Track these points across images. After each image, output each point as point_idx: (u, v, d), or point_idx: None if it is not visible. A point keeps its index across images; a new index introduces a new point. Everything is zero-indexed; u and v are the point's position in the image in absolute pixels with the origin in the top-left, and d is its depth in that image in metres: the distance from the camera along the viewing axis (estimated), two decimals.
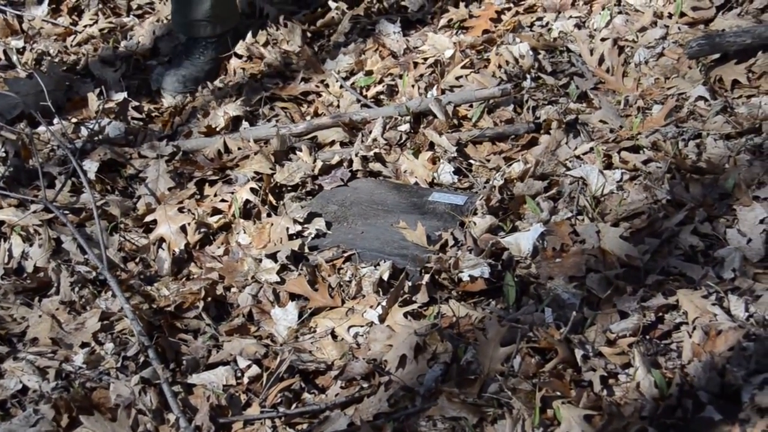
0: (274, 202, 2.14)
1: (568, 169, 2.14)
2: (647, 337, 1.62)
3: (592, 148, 2.17)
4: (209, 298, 1.87)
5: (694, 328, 1.59)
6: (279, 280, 1.90)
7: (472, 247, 1.89)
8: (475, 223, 1.97)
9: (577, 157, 2.18)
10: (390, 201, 2.12)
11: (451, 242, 1.93)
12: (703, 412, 1.42)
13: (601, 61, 2.53)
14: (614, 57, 2.53)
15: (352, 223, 2.05)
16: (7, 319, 1.81)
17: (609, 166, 2.11)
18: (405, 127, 2.37)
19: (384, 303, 1.77)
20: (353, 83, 2.58)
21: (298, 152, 2.34)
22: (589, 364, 1.56)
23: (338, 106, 2.54)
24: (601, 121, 2.29)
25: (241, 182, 2.20)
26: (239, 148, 2.36)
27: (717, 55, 2.38)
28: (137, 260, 2.01)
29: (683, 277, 1.74)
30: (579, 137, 2.23)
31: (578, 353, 1.57)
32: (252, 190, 2.11)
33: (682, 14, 2.62)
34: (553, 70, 2.55)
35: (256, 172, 2.27)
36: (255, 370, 1.68)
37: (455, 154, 2.25)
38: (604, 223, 1.91)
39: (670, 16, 2.62)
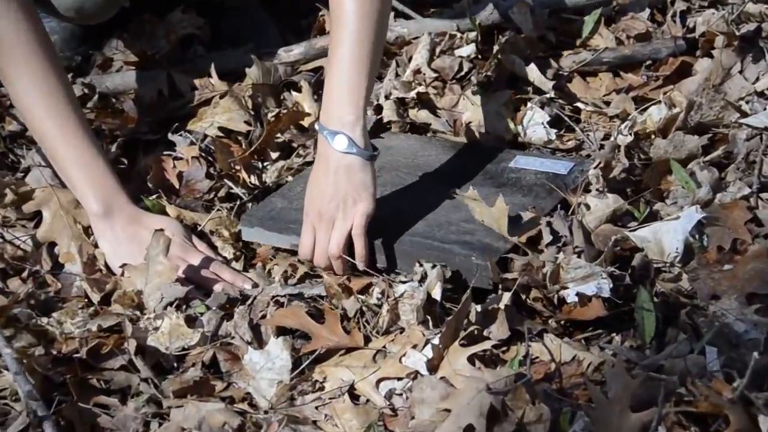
0: (250, 180, 2.19)
1: (744, 114, 2.13)
2: None
3: None
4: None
5: None
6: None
7: (581, 247, 1.88)
8: (587, 207, 1.97)
9: (760, 94, 2.19)
10: (444, 167, 2.17)
11: (546, 237, 1.94)
12: None
13: None
14: None
15: (383, 201, 2.07)
16: None
17: None
18: (468, 49, 2.37)
19: (436, 340, 1.75)
20: None
21: (293, 93, 2.38)
22: None
23: None
24: None
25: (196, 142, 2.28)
26: (194, 89, 2.43)
27: None
28: (25, 274, 2.03)
29: None
30: (762, 61, 2.25)
31: (764, 422, 1.50)
32: (207, 156, 2.17)
33: None
34: None
35: (223, 129, 2.32)
36: None
37: (552, 94, 2.29)
38: None
39: None
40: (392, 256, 1.99)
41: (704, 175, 2.05)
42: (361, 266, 1.98)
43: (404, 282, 1.92)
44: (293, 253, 2.05)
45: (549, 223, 1.96)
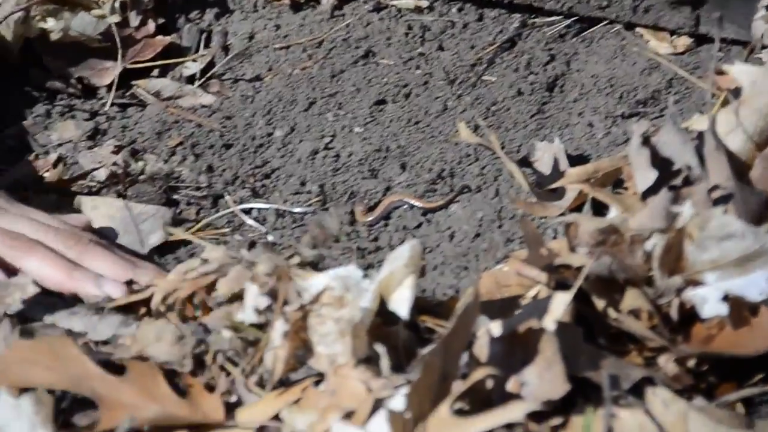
0: None
1: None
2: None
3: None
4: None
5: None
6: None
7: (728, 188, 1.42)
8: (735, 93, 1.56)
9: None
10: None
11: (643, 172, 1.48)
12: None
13: None
14: None
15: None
16: None
17: None
18: None
19: (398, 402, 1.20)
20: None
21: None
22: None
23: None
24: None
25: None
26: None
27: None
28: None
29: None
30: None
31: None
32: None
33: None
34: None
35: None
36: None
37: None
38: None
39: None
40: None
41: None
42: None
43: (321, 269, 1.33)
44: None
45: (646, 138, 1.45)
